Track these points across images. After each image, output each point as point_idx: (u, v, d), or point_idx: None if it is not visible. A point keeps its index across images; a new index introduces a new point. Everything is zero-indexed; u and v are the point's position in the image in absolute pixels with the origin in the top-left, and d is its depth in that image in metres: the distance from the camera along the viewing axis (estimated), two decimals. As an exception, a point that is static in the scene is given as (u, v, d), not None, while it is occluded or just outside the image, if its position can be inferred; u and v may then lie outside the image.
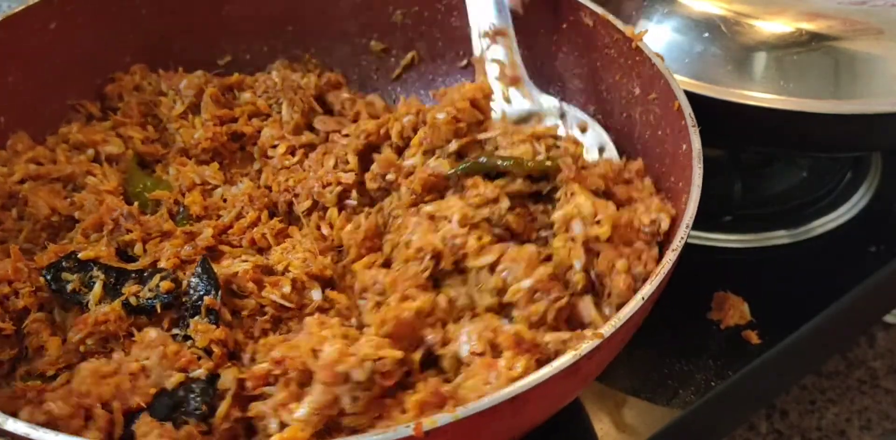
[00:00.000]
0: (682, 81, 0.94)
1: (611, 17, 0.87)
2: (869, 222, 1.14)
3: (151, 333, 0.69)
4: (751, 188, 1.15)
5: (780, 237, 1.11)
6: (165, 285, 0.72)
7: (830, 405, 1.20)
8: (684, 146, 0.75)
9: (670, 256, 0.66)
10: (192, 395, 0.65)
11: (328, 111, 1.00)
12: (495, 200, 0.75)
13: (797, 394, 1.22)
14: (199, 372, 0.66)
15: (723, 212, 1.12)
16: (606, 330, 0.59)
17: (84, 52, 0.97)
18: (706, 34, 0.96)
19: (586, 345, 0.58)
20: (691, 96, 0.91)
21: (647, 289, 0.62)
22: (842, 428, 1.18)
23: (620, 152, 0.89)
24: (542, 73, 0.99)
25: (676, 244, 0.67)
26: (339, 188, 0.83)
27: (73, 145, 0.92)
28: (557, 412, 0.68)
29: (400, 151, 0.83)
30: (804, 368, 1.16)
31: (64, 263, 0.74)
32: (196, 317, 0.71)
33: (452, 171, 0.77)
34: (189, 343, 0.70)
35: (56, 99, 0.96)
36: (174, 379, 0.65)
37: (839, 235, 1.12)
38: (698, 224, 1.09)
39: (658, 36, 0.98)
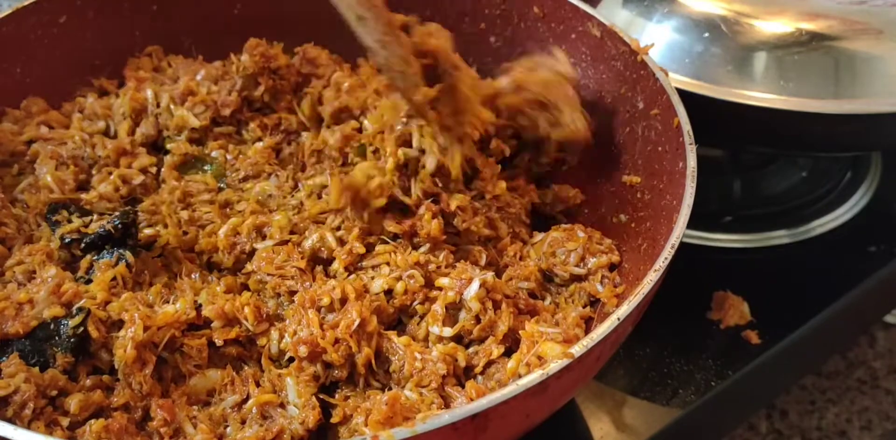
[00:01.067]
0: (682, 81, 0.94)
1: (618, 29, 0.86)
2: (869, 222, 1.14)
3: (51, 270, 0.72)
4: (751, 188, 1.15)
5: (780, 237, 1.11)
6: (107, 226, 0.76)
7: (830, 405, 1.20)
8: (681, 164, 0.73)
9: (651, 277, 0.63)
10: (62, 328, 0.69)
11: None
12: None
13: (797, 394, 1.22)
14: (83, 302, 0.70)
15: (723, 212, 1.12)
16: (577, 350, 0.57)
17: (93, 47, 0.98)
18: (706, 34, 0.96)
19: (555, 365, 0.56)
20: (692, 96, 0.91)
21: (624, 310, 0.60)
22: (842, 428, 1.18)
23: (621, 168, 0.88)
24: None
25: (660, 264, 0.64)
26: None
27: (87, 115, 0.93)
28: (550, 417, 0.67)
29: None
30: (804, 368, 1.16)
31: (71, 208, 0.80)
32: (105, 258, 0.74)
33: None
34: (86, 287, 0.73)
35: (63, 92, 0.97)
36: (52, 311, 0.69)
37: (839, 235, 1.12)
38: (698, 224, 1.11)
39: (658, 36, 0.98)
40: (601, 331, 0.59)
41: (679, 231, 0.67)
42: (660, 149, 0.81)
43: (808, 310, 1.00)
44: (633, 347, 0.96)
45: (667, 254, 0.65)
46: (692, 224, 1.07)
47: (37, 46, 0.93)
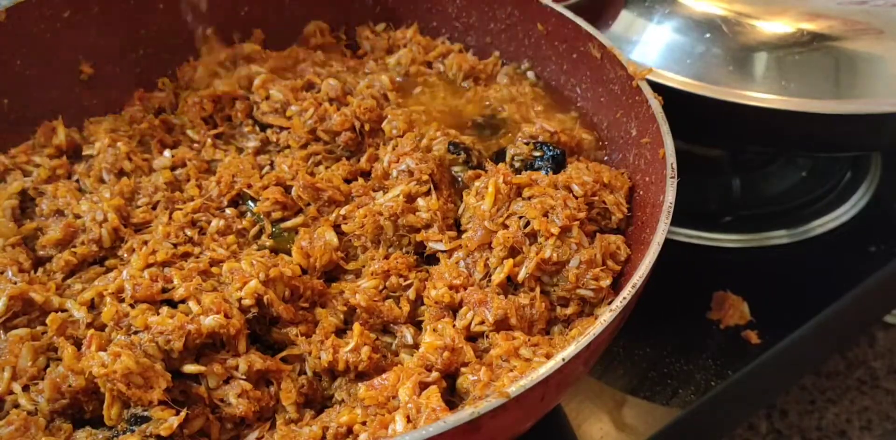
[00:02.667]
0: (683, 82, 0.94)
1: (617, 52, 0.85)
2: (869, 222, 1.14)
3: None
4: (751, 188, 1.15)
5: (780, 237, 1.11)
6: None
7: (830, 405, 1.21)
8: (661, 197, 0.71)
9: (606, 317, 0.59)
10: None
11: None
12: None
13: (797, 394, 1.22)
14: None
15: (723, 212, 1.12)
16: (513, 390, 0.54)
17: (97, 43, 0.98)
18: (707, 35, 0.96)
19: (487, 404, 0.53)
20: (692, 97, 0.91)
21: (570, 350, 0.57)
22: (842, 428, 1.18)
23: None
24: (553, 103, 0.98)
25: (617, 304, 0.61)
26: None
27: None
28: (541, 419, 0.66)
29: None
30: (804, 368, 1.16)
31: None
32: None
33: None
34: None
35: (60, 86, 0.97)
36: None
37: (839, 235, 1.12)
38: (698, 224, 1.11)
39: (659, 36, 0.98)
40: (543, 370, 0.55)
41: (644, 270, 0.63)
42: (647, 179, 0.79)
43: (808, 310, 1.00)
44: (633, 347, 0.96)
45: (626, 293, 0.62)
46: (692, 224, 1.08)
47: (39, 40, 0.93)
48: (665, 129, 0.76)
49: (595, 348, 0.60)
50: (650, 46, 0.84)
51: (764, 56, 0.93)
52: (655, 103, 0.78)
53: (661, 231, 0.66)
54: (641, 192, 0.79)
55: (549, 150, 0.83)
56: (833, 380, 1.24)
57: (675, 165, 0.72)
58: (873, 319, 1.25)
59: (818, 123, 0.92)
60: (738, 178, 1.13)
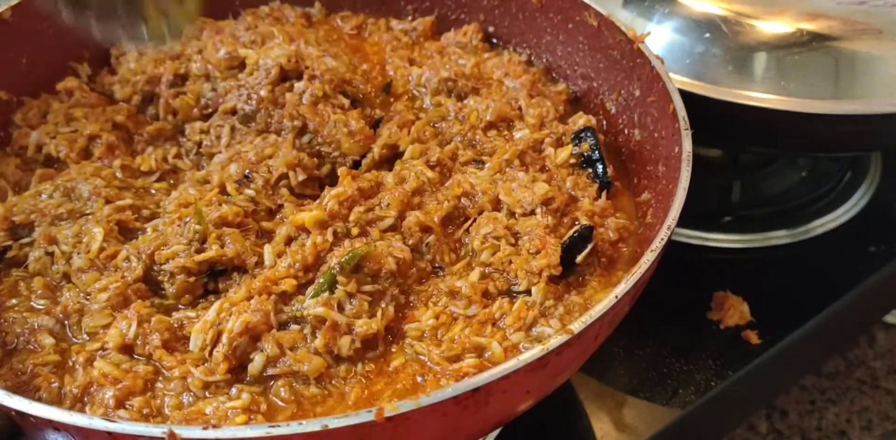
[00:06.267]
0: (683, 82, 0.94)
1: (615, 19, 0.88)
2: (869, 222, 1.14)
3: None
4: (750, 188, 1.15)
5: (780, 237, 1.11)
6: None
7: (830, 405, 1.21)
8: (676, 149, 0.74)
9: (648, 256, 0.64)
10: None
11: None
12: None
13: (797, 394, 1.22)
14: None
15: (723, 212, 1.12)
16: (576, 326, 0.58)
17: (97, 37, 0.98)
18: (707, 35, 0.96)
19: (555, 341, 0.57)
20: (692, 97, 0.91)
21: (622, 288, 0.61)
22: (842, 428, 1.18)
23: (621, 155, 0.89)
24: (548, 75, 1.00)
25: (656, 245, 0.65)
26: None
27: None
28: (552, 412, 0.67)
29: None
30: (804, 368, 1.16)
31: None
32: None
33: None
34: None
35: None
36: None
37: (839, 235, 1.12)
38: (698, 224, 1.11)
39: (659, 36, 0.98)
40: (599, 308, 0.60)
41: (675, 212, 0.67)
42: (656, 135, 0.82)
43: (808, 310, 1.01)
44: (633, 347, 0.96)
45: (663, 235, 0.66)
46: (692, 224, 1.08)
47: (42, 38, 0.93)
48: (671, 86, 0.79)
49: (639, 287, 0.65)
50: (650, 46, 0.85)
51: (763, 56, 0.93)
52: (658, 63, 0.81)
53: (685, 178, 0.70)
54: (653, 153, 0.82)
55: None
56: (833, 380, 1.24)
57: (687, 118, 0.76)
58: (873, 319, 1.25)
59: (818, 123, 0.92)
60: (738, 178, 1.13)
